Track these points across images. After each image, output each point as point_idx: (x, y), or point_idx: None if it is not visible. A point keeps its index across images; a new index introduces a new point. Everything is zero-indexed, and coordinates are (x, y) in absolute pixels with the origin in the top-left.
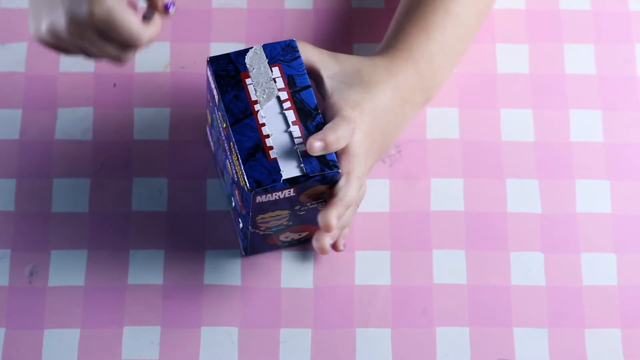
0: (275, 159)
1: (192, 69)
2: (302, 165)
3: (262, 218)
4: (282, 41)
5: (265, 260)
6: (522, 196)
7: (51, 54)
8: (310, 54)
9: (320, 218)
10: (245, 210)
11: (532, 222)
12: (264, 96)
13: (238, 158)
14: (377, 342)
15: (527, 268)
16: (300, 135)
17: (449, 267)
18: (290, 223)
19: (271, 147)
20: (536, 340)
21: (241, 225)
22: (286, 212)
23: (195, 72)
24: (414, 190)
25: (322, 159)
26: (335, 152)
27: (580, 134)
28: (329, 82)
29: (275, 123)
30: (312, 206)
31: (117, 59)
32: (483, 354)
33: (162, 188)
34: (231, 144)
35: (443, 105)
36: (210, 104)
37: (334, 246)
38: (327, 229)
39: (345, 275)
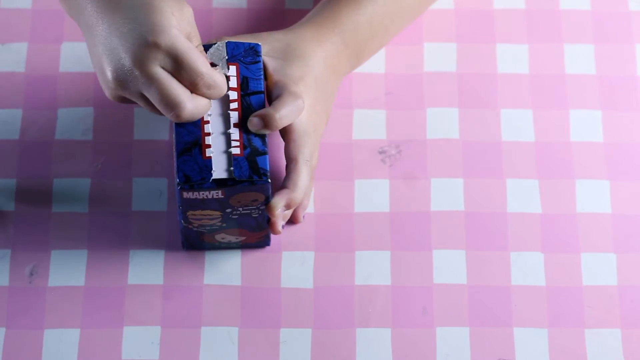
0: (209, 157)
1: None
2: (232, 168)
3: (193, 214)
4: (247, 42)
5: (265, 260)
6: (522, 196)
7: (50, 54)
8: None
9: (267, 206)
10: (177, 204)
11: (532, 222)
12: None
13: (174, 151)
14: (377, 342)
15: (527, 268)
16: (238, 138)
17: (449, 267)
18: (224, 225)
19: (209, 146)
20: (536, 340)
21: (179, 220)
22: (217, 213)
23: None
24: (414, 190)
25: (253, 165)
26: (282, 134)
27: (580, 134)
28: (266, 61)
29: (218, 122)
30: (244, 211)
31: (181, 105)
32: (483, 354)
33: (162, 188)
34: (173, 136)
35: (443, 105)
36: None
37: (294, 218)
38: (271, 216)
39: (345, 275)
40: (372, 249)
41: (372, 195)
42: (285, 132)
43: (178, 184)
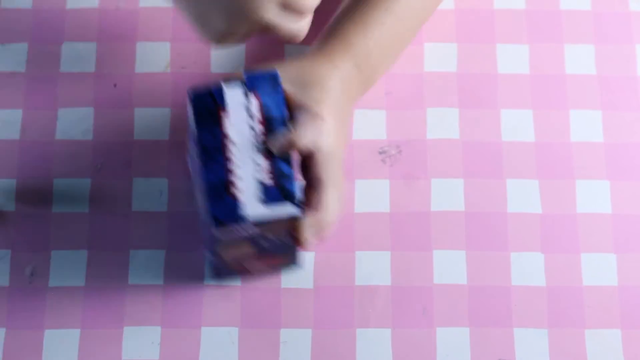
0: (239, 196)
1: (192, 69)
2: (264, 200)
3: (225, 249)
4: (265, 72)
5: None
6: (522, 196)
7: (50, 54)
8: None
9: (297, 229)
10: (207, 241)
11: (532, 222)
12: (238, 130)
13: (203, 192)
14: (377, 342)
15: (527, 268)
16: (266, 167)
17: (449, 267)
18: (256, 253)
19: (237, 183)
20: (536, 341)
21: (207, 253)
22: (249, 244)
23: (195, 72)
24: (414, 190)
25: (286, 193)
26: (305, 156)
27: (580, 134)
28: (285, 87)
29: (245, 158)
30: (276, 239)
31: (299, 36)
32: (483, 354)
33: (162, 188)
34: (199, 177)
35: (443, 105)
36: (189, 134)
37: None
38: (300, 238)
39: (345, 275)
40: (372, 249)
41: (372, 195)
42: (310, 154)
43: (211, 226)
